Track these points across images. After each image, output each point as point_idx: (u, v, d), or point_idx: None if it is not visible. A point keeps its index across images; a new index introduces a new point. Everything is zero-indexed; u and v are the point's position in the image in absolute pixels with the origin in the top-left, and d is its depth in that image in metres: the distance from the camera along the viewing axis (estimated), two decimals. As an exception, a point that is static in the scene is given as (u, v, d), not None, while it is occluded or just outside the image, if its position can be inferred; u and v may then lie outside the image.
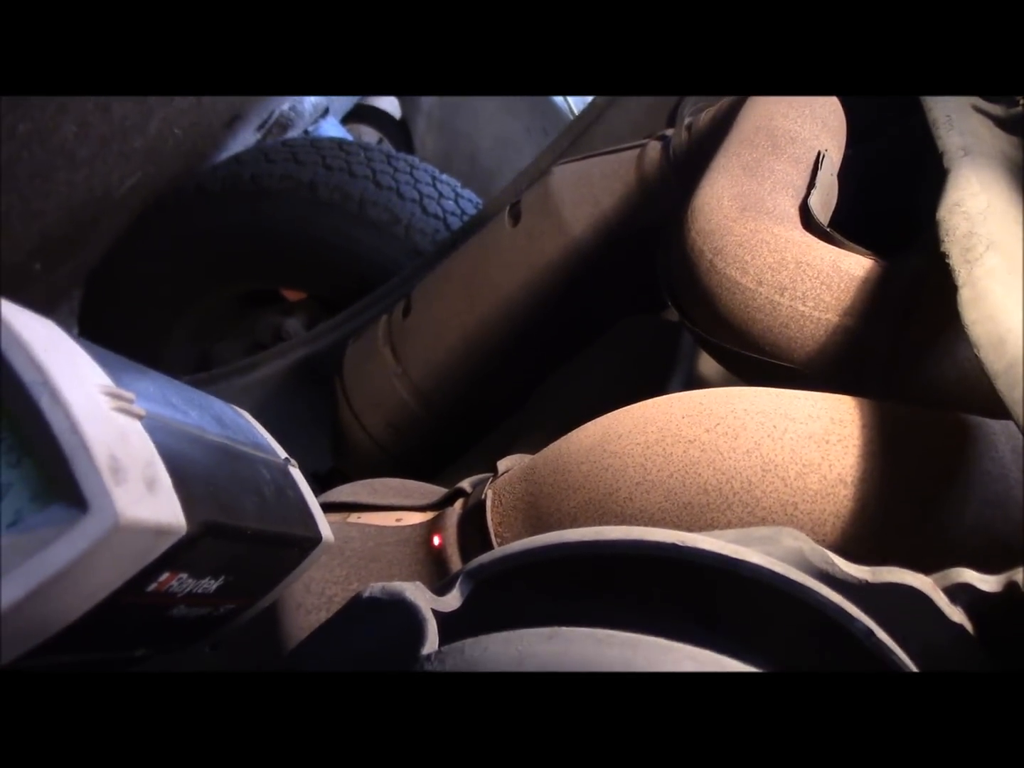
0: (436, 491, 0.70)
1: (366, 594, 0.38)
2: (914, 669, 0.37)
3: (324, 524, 0.47)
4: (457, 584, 0.39)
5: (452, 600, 0.39)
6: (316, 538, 0.46)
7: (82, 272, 1.66)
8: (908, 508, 0.52)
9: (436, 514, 0.65)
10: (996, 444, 0.53)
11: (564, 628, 0.34)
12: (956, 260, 0.52)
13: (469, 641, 0.35)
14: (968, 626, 0.40)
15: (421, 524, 0.65)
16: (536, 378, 1.06)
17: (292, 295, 1.75)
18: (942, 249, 0.52)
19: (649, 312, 1.05)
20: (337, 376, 1.15)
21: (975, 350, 0.47)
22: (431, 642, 0.36)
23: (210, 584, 0.38)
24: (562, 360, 1.05)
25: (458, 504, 0.65)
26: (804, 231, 0.69)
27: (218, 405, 0.46)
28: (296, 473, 0.48)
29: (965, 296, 0.49)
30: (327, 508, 0.63)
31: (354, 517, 0.66)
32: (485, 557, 0.40)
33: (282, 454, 0.48)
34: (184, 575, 0.35)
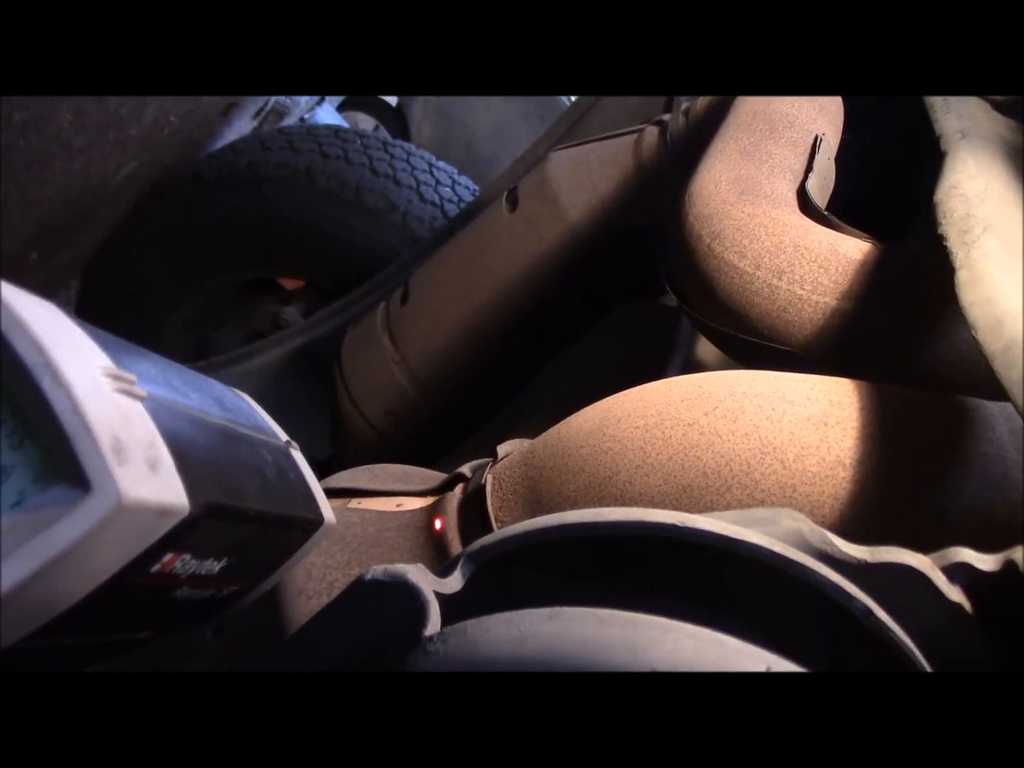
0: (436, 476, 0.70)
1: (368, 576, 0.38)
2: (912, 648, 0.37)
3: (326, 506, 0.47)
4: (459, 566, 0.39)
5: (454, 582, 0.39)
6: (318, 520, 0.46)
7: (79, 261, 1.65)
8: (906, 490, 0.52)
9: (436, 499, 0.66)
10: (994, 425, 0.53)
11: (565, 608, 0.34)
12: (953, 242, 0.52)
13: (471, 622, 0.35)
14: (966, 605, 0.40)
15: (421, 509, 0.65)
16: (535, 364, 1.07)
17: (289, 283, 1.74)
18: (939, 231, 0.52)
19: (647, 298, 1.05)
20: (336, 364, 1.15)
21: (973, 332, 0.47)
22: (433, 623, 0.36)
23: (213, 566, 0.38)
24: (561, 346, 1.05)
25: (458, 489, 0.65)
26: (802, 215, 0.69)
27: (219, 388, 0.46)
28: (298, 455, 0.48)
29: (962, 278, 0.49)
30: (327, 494, 0.63)
31: (354, 503, 0.66)
32: (486, 539, 0.40)
33: (283, 436, 0.48)
34: (187, 556, 0.35)
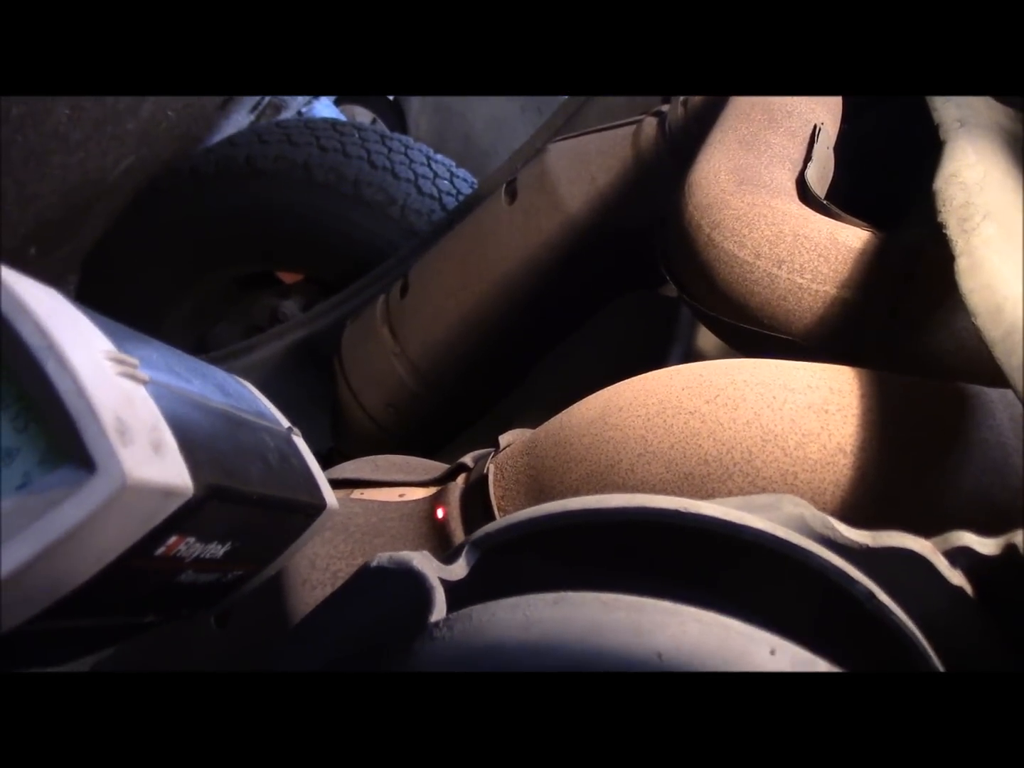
0: (438, 467, 0.70)
1: (373, 564, 0.38)
2: (915, 630, 0.38)
3: (328, 491, 0.48)
4: (463, 553, 0.39)
5: (459, 569, 0.39)
6: (320, 504, 0.46)
7: (78, 256, 1.65)
8: (907, 476, 0.52)
9: (439, 489, 0.66)
10: (994, 412, 0.53)
11: (570, 593, 0.35)
12: (953, 230, 0.52)
13: (477, 607, 0.35)
14: (968, 589, 0.40)
15: (424, 499, 0.65)
16: (535, 356, 1.07)
17: (288, 277, 1.74)
18: (939, 219, 0.53)
19: (647, 288, 1.05)
20: (335, 356, 1.15)
21: (973, 318, 0.47)
22: (439, 609, 0.37)
23: (217, 549, 0.38)
24: (560, 338, 1.06)
25: (460, 479, 0.65)
26: (801, 204, 0.69)
27: (220, 375, 0.46)
28: (299, 441, 0.48)
29: (962, 265, 0.49)
30: (330, 485, 0.63)
31: (357, 493, 0.66)
32: (491, 526, 0.40)
33: (285, 423, 0.48)
34: (191, 539, 0.36)
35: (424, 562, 0.38)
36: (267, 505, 0.40)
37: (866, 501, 0.52)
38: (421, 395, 1.07)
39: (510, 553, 0.41)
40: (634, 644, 0.32)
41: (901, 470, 0.52)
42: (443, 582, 0.38)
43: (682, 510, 0.38)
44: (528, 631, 0.34)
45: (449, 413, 1.09)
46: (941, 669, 0.38)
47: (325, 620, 0.40)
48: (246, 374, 1.44)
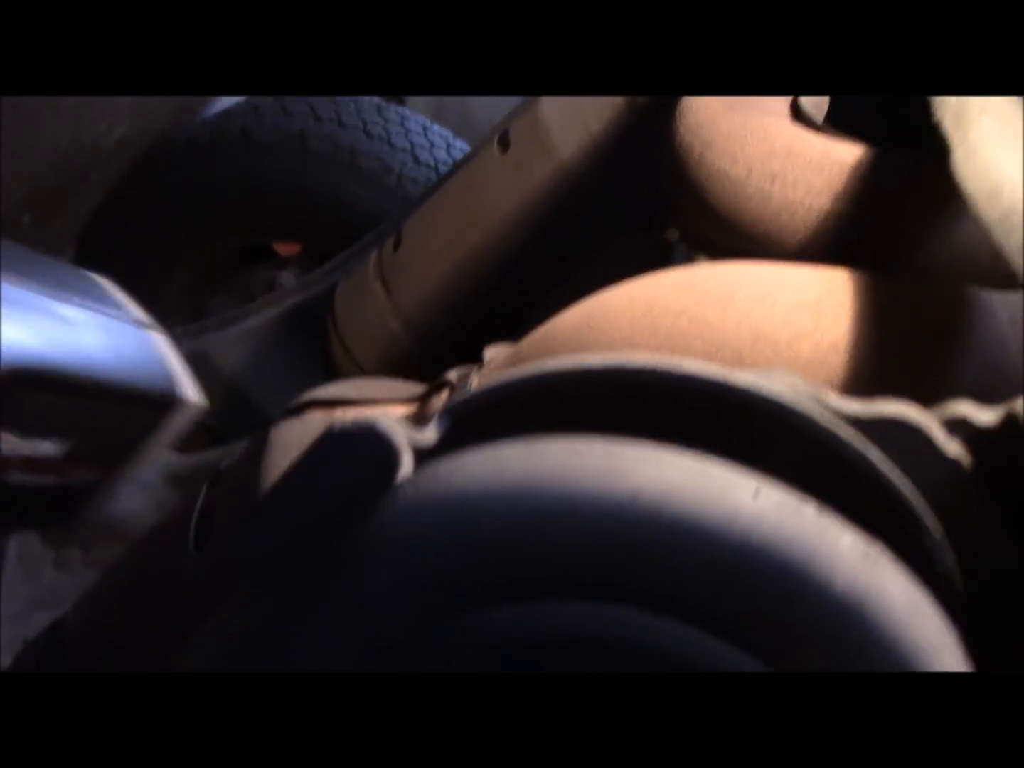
0: (422, 387, 0.68)
1: (336, 428, 0.36)
2: (910, 493, 0.36)
3: (190, 386, 0.45)
4: (435, 421, 0.38)
5: (429, 434, 0.37)
6: (175, 399, 0.44)
7: (73, 227, 1.64)
8: (904, 374, 0.51)
9: (421, 405, 0.64)
10: (994, 311, 0.52)
11: (541, 441, 0.33)
12: (950, 126, 0.51)
13: (444, 461, 0.34)
14: (965, 460, 0.38)
15: (407, 417, 0.64)
16: (528, 305, 1.05)
17: (285, 249, 1.73)
18: (934, 120, 0.51)
19: (640, 232, 1.03)
20: (329, 315, 1.14)
21: (970, 202, 0.46)
22: (407, 469, 0.35)
23: (48, 448, 0.36)
24: (555, 286, 1.04)
25: (444, 395, 0.63)
26: (794, 123, 0.68)
27: (72, 273, 0.44)
28: (159, 338, 0.46)
29: (959, 155, 0.48)
30: (312, 405, 0.62)
31: (340, 413, 0.65)
32: (464, 393, 0.38)
33: (144, 318, 0.46)
34: (8, 434, 0.33)
35: (391, 425, 0.36)
36: (100, 397, 0.38)
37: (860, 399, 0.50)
38: (414, 349, 1.05)
39: (486, 428, 0.39)
40: (608, 486, 0.30)
41: (897, 368, 0.51)
42: (413, 451, 0.36)
43: (663, 367, 0.36)
44: (498, 478, 0.32)
45: (442, 367, 1.07)
46: (938, 536, 0.36)
47: (286, 495, 0.38)
48: (242, 341, 1.42)
